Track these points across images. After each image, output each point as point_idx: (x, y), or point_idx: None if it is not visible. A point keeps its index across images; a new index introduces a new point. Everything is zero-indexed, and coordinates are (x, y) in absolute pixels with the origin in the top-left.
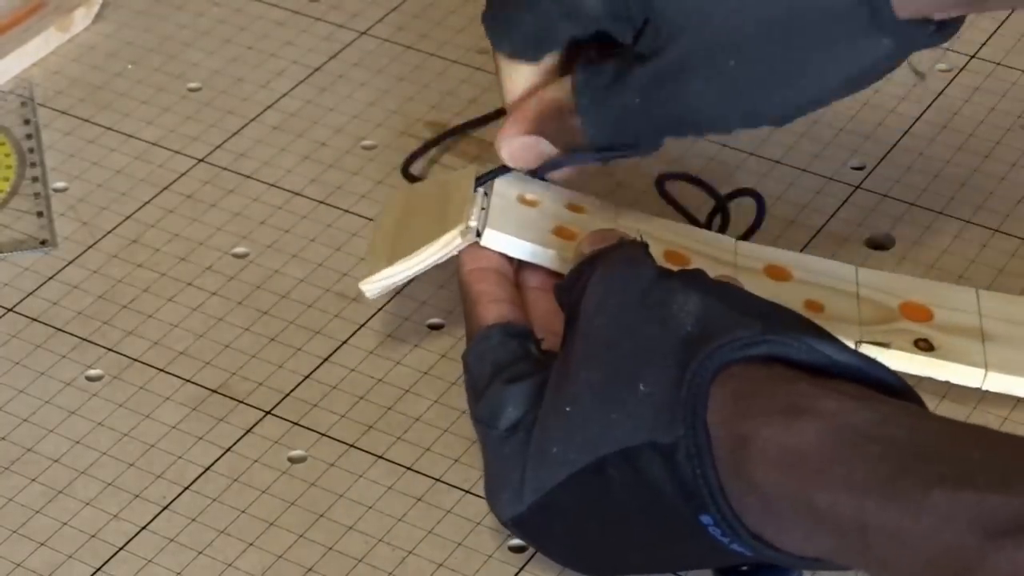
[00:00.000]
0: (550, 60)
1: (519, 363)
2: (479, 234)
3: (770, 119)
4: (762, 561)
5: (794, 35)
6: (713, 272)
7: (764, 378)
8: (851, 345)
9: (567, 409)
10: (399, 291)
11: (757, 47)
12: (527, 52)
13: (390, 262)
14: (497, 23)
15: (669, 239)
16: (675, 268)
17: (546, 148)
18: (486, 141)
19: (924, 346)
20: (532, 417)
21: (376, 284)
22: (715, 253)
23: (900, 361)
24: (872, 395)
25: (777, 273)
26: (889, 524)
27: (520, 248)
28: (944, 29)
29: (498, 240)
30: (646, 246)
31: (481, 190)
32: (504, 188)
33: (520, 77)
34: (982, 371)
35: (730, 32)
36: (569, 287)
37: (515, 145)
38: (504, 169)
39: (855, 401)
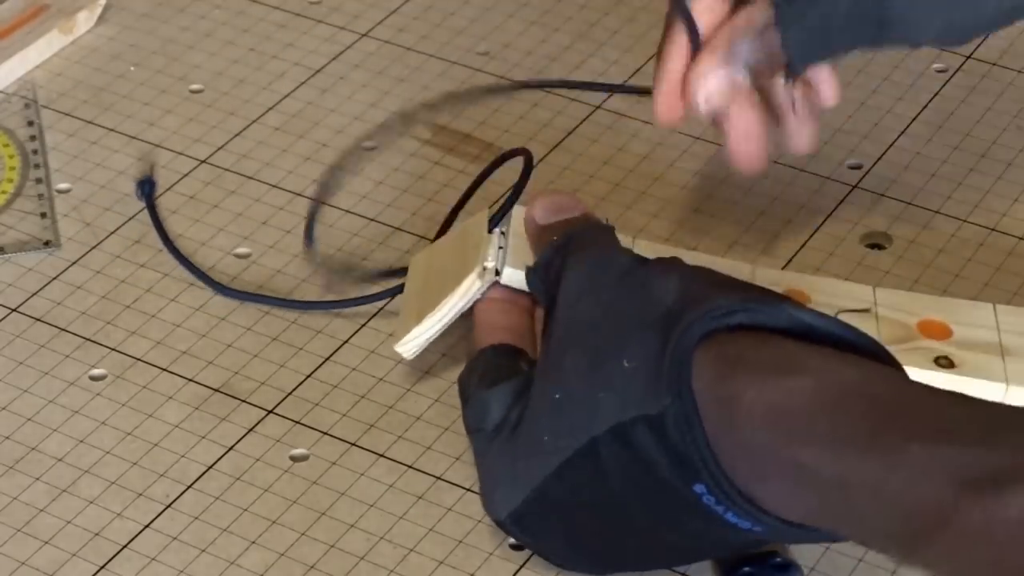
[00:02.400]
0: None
1: (503, 367)
2: (498, 273)
3: (962, 32)
4: (761, 538)
5: None
6: None
7: (748, 341)
8: None
9: (555, 396)
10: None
11: None
12: None
13: (419, 320)
14: None
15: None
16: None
17: (742, 83)
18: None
19: (945, 363)
20: (517, 414)
21: (411, 344)
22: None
23: (922, 380)
24: (855, 356)
25: (797, 296)
26: (868, 478)
27: None
28: None
29: (518, 278)
30: (613, 229)
31: (497, 230)
32: (520, 227)
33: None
34: (1004, 386)
35: None
36: (544, 274)
37: (711, 80)
38: (512, 201)
39: (839, 360)
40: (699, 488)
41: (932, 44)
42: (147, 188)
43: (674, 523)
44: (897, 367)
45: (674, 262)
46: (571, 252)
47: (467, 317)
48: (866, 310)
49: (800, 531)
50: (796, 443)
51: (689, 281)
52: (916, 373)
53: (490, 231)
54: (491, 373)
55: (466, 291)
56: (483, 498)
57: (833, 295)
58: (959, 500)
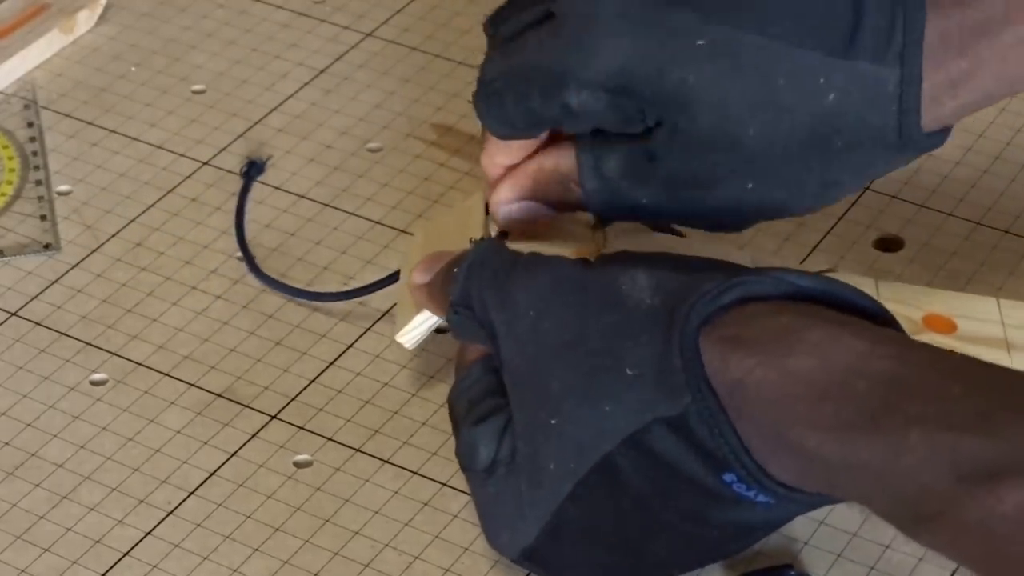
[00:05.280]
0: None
1: (488, 399)
2: None
3: (784, 216)
4: (788, 517)
5: (821, 154)
6: None
7: (745, 318)
8: None
9: (552, 422)
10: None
11: (783, 166)
12: (520, 133)
13: (419, 308)
14: (489, 107)
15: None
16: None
17: (544, 212)
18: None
19: None
20: (508, 451)
21: (411, 334)
22: None
23: None
24: (853, 319)
25: None
26: (872, 463)
27: None
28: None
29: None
30: (500, 242)
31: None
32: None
33: (511, 148)
34: None
35: (758, 152)
36: (465, 310)
37: (512, 210)
38: None
39: (839, 327)
40: (729, 477)
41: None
42: (254, 171)
43: (702, 518)
44: (893, 324)
45: (626, 256)
46: (482, 278)
47: None
48: (832, 269)
49: (827, 499)
50: (800, 427)
51: (657, 273)
52: None
53: (487, 212)
54: (477, 406)
55: None
56: (489, 539)
57: None
58: (957, 493)
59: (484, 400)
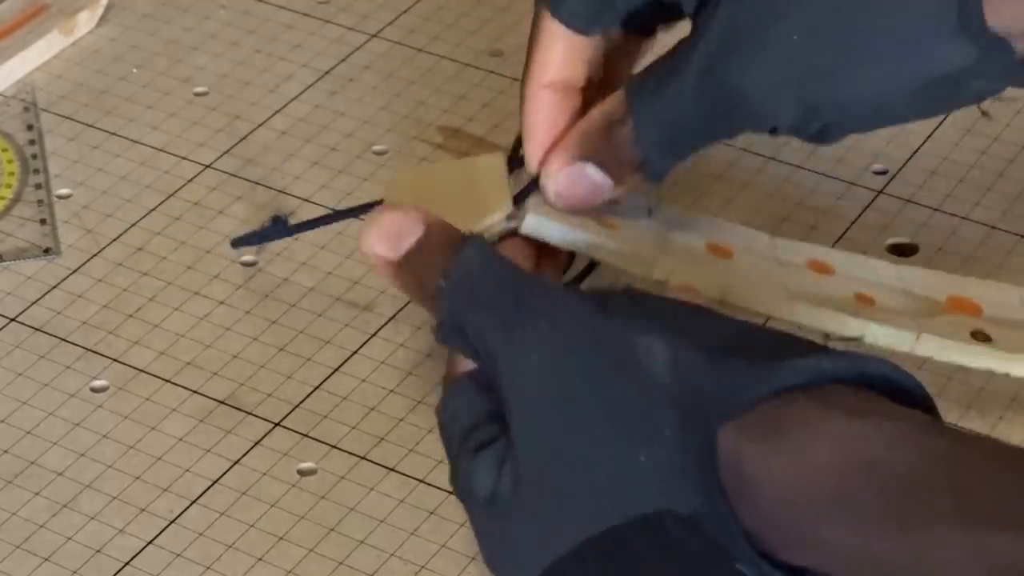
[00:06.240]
0: (590, 45)
1: (485, 425)
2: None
3: (828, 115)
4: None
5: (868, 14)
6: (756, 267)
7: (760, 412)
8: (912, 338)
9: (560, 483)
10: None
11: (823, 20)
12: (582, 15)
13: None
14: None
15: (708, 234)
16: (714, 257)
17: (597, 177)
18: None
19: (982, 337)
20: (507, 483)
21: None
22: (754, 248)
23: (961, 353)
24: (873, 405)
25: (821, 268)
26: (898, 560)
27: (563, 234)
28: None
29: (540, 226)
30: (484, 241)
31: (511, 177)
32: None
33: (555, 55)
34: None
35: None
36: (453, 332)
37: (563, 178)
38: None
39: (859, 419)
40: (743, 568)
41: (803, 136)
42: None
43: None
44: (926, 400)
45: (641, 309)
46: (481, 299)
47: None
48: (858, 338)
49: None
50: (822, 523)
51: (676, 346)
52: (954, 346)
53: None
54: (473, 433)
55: (487, 228)
56: (487, 566)
57: (857, 266)
58: None
59: (480, 427)
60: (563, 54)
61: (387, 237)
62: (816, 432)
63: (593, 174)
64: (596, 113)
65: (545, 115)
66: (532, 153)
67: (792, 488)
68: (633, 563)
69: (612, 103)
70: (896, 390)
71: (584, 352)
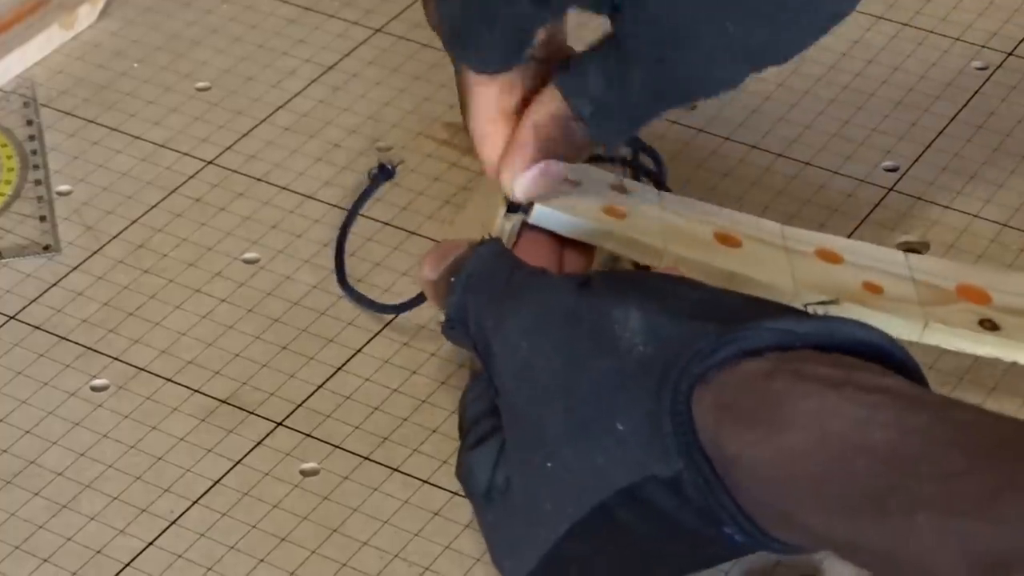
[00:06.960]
0: (514, 76)
1: (484, 420)
2: (526, 213)
3: (776, 62)
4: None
5: None
6: (764, 255)
7: (738, 383)
8: (920, 327)
9: (547, 465)
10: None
11: None
12: (495, 62)
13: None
14: (466, 34)
15: (718, 222)
16: (723, 247)
17: (556, 168)
18: None
19: (989, 326)
20: (503, 477)
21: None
22: (763, 236)
23: (968, 342)
24: (850, 376)
25: (829, 256)
26: (880, 546)
27: (571, 224)
28: None
29: (547, 217)
30: (503, 246)
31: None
32: None
33: (489, 97)
34: None
35: None
36: (460, 323)
37: (527, 179)
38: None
39: (835, 392)
40: (729, 530)
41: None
42: (382, 176)
43: (704, 554)
44: (899, 356)
45: (621, 281)
46: (482, 294)
47: None
48: (833, 301)
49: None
50: (804, 509)
51: (651, 315)
52: (962, 335)
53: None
54: (476, 426)
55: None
56: (493, 563)
57: (866, 256)
58: None
59: (481, 421)
60: (495, 92)
61: (432, 261)
62: (793, 410)
63: (554, 168)
64: (540, 114)
65: (499, 143)
66: (503, 178)
67: (772, 474)
68: (624, 535)
69: (552, 103)
70: (871, 351)
71: (562, 331)
